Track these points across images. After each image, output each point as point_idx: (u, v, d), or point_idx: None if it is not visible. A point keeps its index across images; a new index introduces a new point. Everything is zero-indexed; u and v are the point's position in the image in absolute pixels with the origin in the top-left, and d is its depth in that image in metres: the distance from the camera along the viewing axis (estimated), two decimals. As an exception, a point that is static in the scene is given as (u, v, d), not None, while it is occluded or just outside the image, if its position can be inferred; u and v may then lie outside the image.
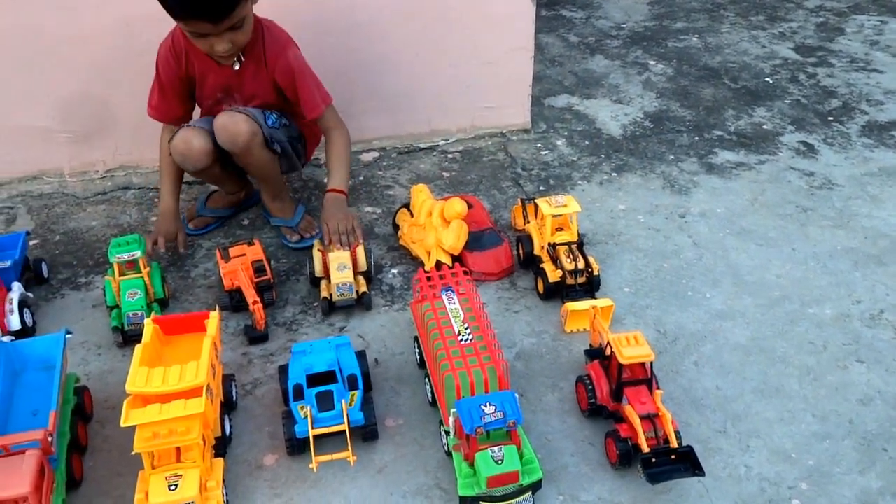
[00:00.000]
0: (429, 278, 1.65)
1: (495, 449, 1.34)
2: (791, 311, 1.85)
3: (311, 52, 2.30)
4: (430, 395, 1.59)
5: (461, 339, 1.49)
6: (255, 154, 1.93)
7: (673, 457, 1.39)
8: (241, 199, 2.21)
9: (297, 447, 1.47)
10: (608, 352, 1.52)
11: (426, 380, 1.60)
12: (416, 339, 1.69)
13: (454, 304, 1.58)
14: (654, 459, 1.38)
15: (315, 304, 1.88)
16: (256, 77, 1.93)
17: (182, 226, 2.03)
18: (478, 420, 1.32)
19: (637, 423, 1.41)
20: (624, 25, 3.51)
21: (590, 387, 1.53)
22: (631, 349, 1.46)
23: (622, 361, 1.45)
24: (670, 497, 1.41)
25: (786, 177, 2.39)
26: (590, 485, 1.44)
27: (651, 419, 1.42)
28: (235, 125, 1.87)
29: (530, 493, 1.36)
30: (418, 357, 1.68)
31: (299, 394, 1.49)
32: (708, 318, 1.83)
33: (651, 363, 1.49)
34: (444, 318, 1.54)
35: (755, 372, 1.68)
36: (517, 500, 1.35)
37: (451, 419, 1.38)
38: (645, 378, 1.49)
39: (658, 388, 1.49)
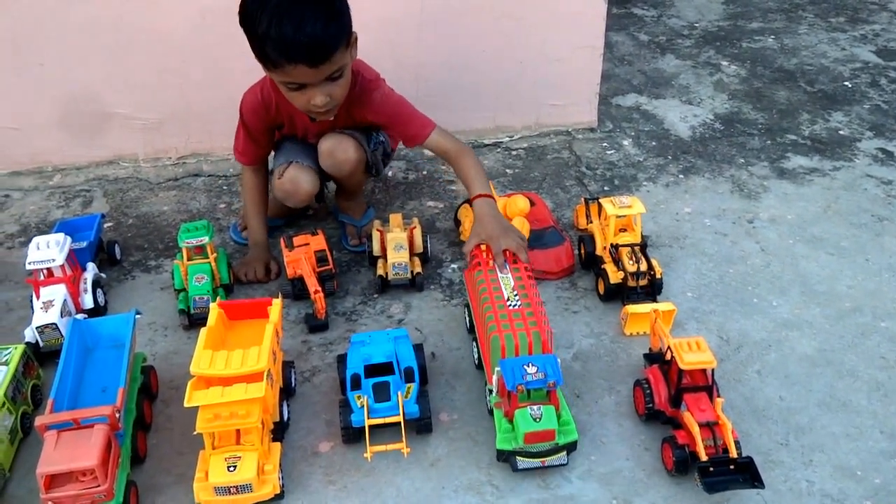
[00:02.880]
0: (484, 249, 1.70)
1: (534, 407, 1.39)
2: (862, 323, 1.79)
3: (380, 48, 2.32)
4: (476, 357, 1.66)
5: (510, 305, 1.53)
6: (354, 178, 1.96)
7: (732, 467, 1.36)
8: (296, 210, 2.19)
9: (353, 436, 1.49)
10: (668, 356, 1.50)
11: (474, 344, 1.67)
12: (467, 305, 1.74)
13: (506, 273, 1.62)
14: (711, 468, 1.35)
15: (375, 295, 1.90)
16: (350, 119, 1.89)
17: (273, 256, 1.98)
18: (520, 378, 1.38)
19: (696, 430, 1.38)
20: (697, 25, 3.43)
21: (648, 391, 1.51)
22: (692, 355, 1.44)
23: (683, 367, 1.43)
24: (727, 508, 1.39)
25: (862, 184, 2.30)
26: (644, 490, 1.42)
27: (710, 427, 1.39)
28: (344, 153, 1.86)
29: (565, 452, 1.41)
30: (468, 323, 1.74)
31: (356, 383, 1.51)
32: (773, 326, 1.78)
33: (712, 370, 1.46)
34: (494, 285, 1.58)
35: (821, 384, 1.63)
36: (552, 458, 1.40)
37: (494, 377, 1.43)
38: (706, 385, 1.46)
39: (719, 396, 1.46)
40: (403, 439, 1.44)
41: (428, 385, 1.63)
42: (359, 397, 1.48)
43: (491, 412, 1.50)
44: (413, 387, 1.51)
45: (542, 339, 1.46)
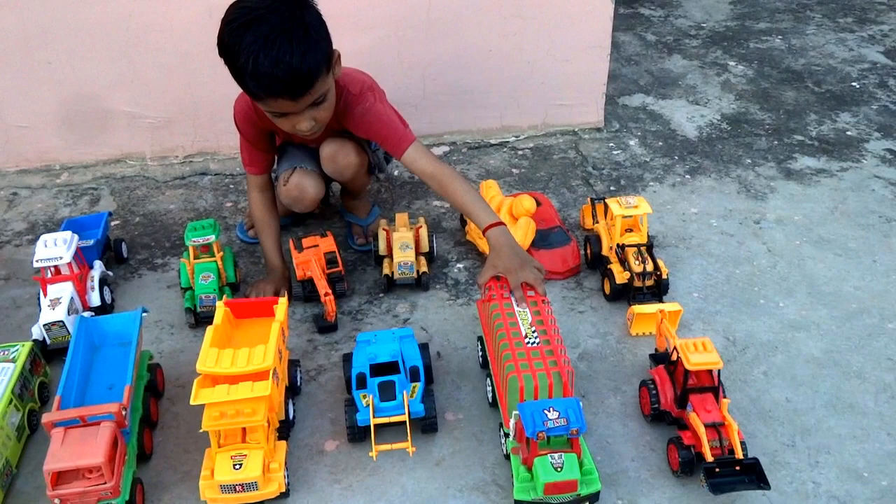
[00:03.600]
0: (498, 279, 1.61)
1: (555, 456, 1.30)
2: (869, 324, 1.78)
3: (388, 46, 2.33)
4: (490, 395, 1.57)
5: (528, 342, 1.45)
6: (358, 180, 1.96)
7: (737, 468, 1.35)
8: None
9: (358, 435, 1.49)
10: (674, 357, 1.49)
11: (488, 380, 1.59)
12: (480, 338, 1.67)
13: (523, 307, 1.54)
14: (717, 469, 1.35)
15: (381, 294, 1.90)
16: (341, 127, 1.86)
17: (288, 285, 1.90)
18: (540, 425, 1.29)
19: (701, 431, 1.38)
20: (704, 25, 3.43)
21: (654, 391, 1.51)
22: (698, 355, 1.43)
23: (689, 368, 1.42)
24: (733, 509, 1.38)
25: (869, 185, 2.30)
26: (649, 491, 1.42)
27: (716, 428, 1.39)
28: (346, 157, 1.85)
29: (587, 503, 1.33)
30: (481, 357, 1.67)
31: (362, 382, 1.51)
32: (780, 327, 1.78)
33: (719, 371, 1.46)
34: (511, 320, 1.50)
35: (828, 386, 1.63)
36: None
37: (511, 421, 1.36)
38: (712, 386, 1.45)
39: (725, 397, 1.46)
40: (409, 438, 1.45)
41: (433, 384, 1.63)
42: (364, 396, 1.48)
43: (507, 457, 1.43)
44: (418, 386, 1.51)
45: (562, 380, 1.38)
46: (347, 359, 1.60)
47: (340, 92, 1.77)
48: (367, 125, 1.80)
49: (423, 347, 1.62)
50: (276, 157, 1.98)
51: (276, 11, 1.54)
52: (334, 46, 1.66)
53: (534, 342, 1.45)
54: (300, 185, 1.88)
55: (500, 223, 1.68)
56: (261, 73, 1.52)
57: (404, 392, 1.48)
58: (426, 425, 1.51)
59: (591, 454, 1.42)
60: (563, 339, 1.49)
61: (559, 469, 1.29)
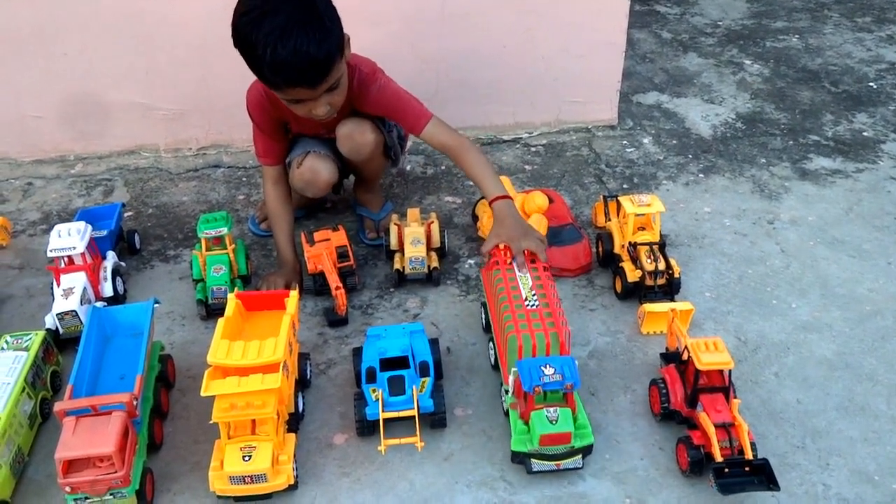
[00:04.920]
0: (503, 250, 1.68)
1: (551, 409, 1.38)
2: (883, 327, 1.77)
3: (402, 41, 2.33)
4: (492, 358, 1.64)
5: (528, 305, 1.52)
6: (373, 162, 1.95)
7: (747, 469, 1.35)
8: (314, 202, 2.19)
9: (367, 429, 1.50)
10: (685, 356, 1.49)
11: (490, 343, 1.66)
12: (483, 304, 1.74)
13: (525, 272, 1.61)
14: (726, 469, 1.34)
15: (392, 289, 1.90)
16: (353, 112, 1.87)
17: (300, 278, 1.90)
18: (537, 380, 1.36)
19: (711, 431, 1.38)
20: (720, 23, 3.40)
21: (664, 390, 1.50)
22: (709, 355, 1.43)
23: (700, 367, 1.42)
24: (742, 510, 1.38)
25: (885, 187, 2.28)
26: (658, 490, 1.41)
27: (726, 428, 1.39)
28: (363, 135, 1.84)
29: (580, 456, 1.40)
30: (484, 322, 1.74)
31: (372, 377, 1.51)
32: (792, 328, 1.77)
33: (729, 371, 1.45)
34: (512, 284, 1.57)
35: (840, 388, 1.62)
36: (567, 461, 1.39)
37: (510, 378, 1.43)
38: (722, 386, 1.45)
39: (735, 398, 1.45)
40: (417, 433, 1.45)
41: (443, 380, 1.63)
42: (374, 390, 1.49)
43: (506, 413, 1.49)
44: (428, 381, 1.51)
45: (559, 340, 1.45)
46: (357, 353, 1.60)
47: (353, 73, 1.78)
48: (386, 102, 1.83)
49: (433, 343, 1.62)
50: (289, 147, 1.98)
51: (290, 1, 1.56)
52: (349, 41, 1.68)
53: (533, 305, 1.52)
54: (313, 168, 1.88)
55: (507, 196, 1.75)
56: (279, 63, 1.55)
57: (413, 387, 1.48)
58: (435, 420, 1.51)
59: (600, 452, 1.42)
60: (561, 301, 1.55)
61: (554, 422, 1.37)
